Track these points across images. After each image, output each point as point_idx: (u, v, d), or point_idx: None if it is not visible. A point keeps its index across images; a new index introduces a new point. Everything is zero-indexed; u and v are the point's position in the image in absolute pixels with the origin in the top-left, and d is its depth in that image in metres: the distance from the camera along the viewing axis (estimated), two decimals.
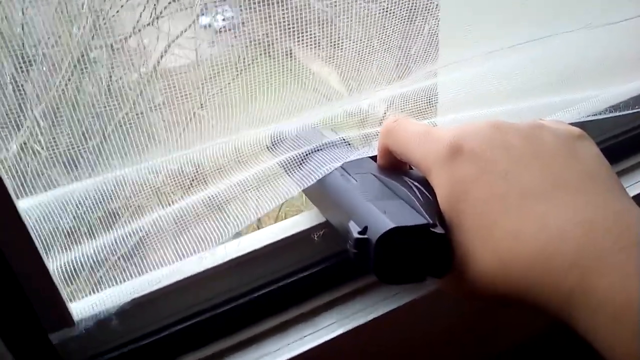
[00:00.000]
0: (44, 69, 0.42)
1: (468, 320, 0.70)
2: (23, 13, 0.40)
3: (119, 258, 0.47)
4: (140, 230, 0.48)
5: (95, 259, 0.47)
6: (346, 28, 0.53)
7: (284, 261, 0.60)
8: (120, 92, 0.45)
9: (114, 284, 0.49)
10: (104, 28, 0.42)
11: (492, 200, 0.41)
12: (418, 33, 0.58)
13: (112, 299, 0.50)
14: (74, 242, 0.47)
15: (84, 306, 0.49)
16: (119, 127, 0.46)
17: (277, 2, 0.48)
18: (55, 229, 0.46)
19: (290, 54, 0.51)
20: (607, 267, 0.35)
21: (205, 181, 0.52)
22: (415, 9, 0.57)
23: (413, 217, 0.43)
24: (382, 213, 0.43)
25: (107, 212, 0.48)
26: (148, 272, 0.50)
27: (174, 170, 0.50)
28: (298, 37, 0.50)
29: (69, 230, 0.46)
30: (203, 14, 0.50)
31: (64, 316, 0.48)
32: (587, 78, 0.70)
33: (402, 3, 0.56)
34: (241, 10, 0.48)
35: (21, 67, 0.41)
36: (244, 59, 0.48)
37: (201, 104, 0.48)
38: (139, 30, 0.48)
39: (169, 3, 0.52)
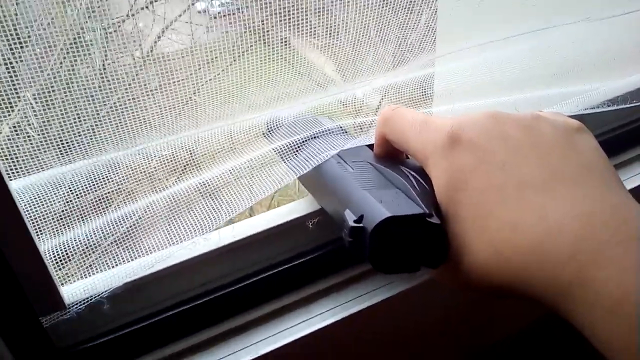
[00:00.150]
0: (38, 50, 0.41)
1: (462, 310, 0.70)
2: None
3: (111, 243, 0.46)
4: (133, 215, 0.47)
5: (87, 243, 0.46)
6: (343, 17, 0.52)
7: (278, 248, 0.60)
8: (115, 76, 0.44)
9: (107, 268, 0.48)
10: (99, 10, 0.41)
11: (489, 190, 0.40)
12: (415, 23, 0.57)
13: (104, 283, 0.49)
14: (65, 226, 0.46)
15: (75, 290, 0.49)
16: (112, 111, 0.45)
17: None
18: (47, 213, 0.45)
19: (287, 42, 0.50)
20: (604, 260, 0.35)
21: (198, 167, 0.50)
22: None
23: (409, 207, 0.42)
24: (378, 202, 0.42)
25: (99, 196, 0.46)
26: (140, 257, 0.49)
27: (168, 155, 0.49)
28: (294, 25, 0.49)
29: (60, 213, 0.45)
30: None
31: (56, 300, 0.47)
32: (586, 71, 0.70)
33: None
34: None
35: (14, 48, 0.40)
36: (240, 45, 0.47)
37: (196, 90, 0.47)
38: (135, 14, 0.47)
39: None
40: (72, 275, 0.47)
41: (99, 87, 0.44)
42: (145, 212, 0.48)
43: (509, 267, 0.38)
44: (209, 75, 0.47)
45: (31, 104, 0.42)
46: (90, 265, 0.47)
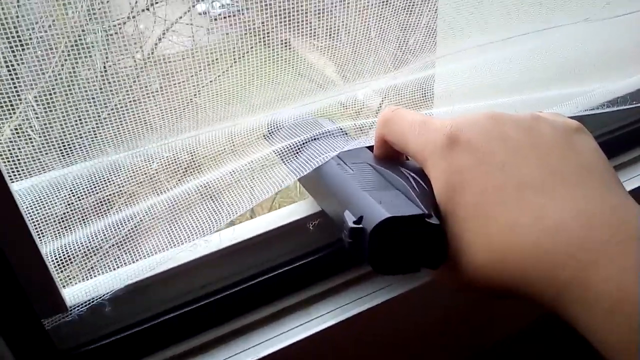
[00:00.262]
0: (39, 52, 0.40)
1: (462, 311, 0.69)
2: None
3: (111, 245, 0.45)
4: (134, 218, 0.46)
5: (88, 246, 0.45)
6: (343, 18, 0.51)
7: (278, 250, 0.59)
8: (116, 78, 0.44)
9: (108, 270, 0.47)
10: (100, 12, 0.41)
11: (488, 191, 0.40)
12: (416, 24, 0.56)
13: (106, 285, 0.48)
14: (66, 229, 0.45)
15: (77, 292, 0.48)
16: (113, 113, 0.44)
17: None
18: (48, 215, 0.44)
19: (287, 43, 0.49)
20: (603, 260, 0.34)
21: (199, 169, 0.50)
22: (413, 0, 0.55)
23: (408, 208, 0.42)
24: (377, 203, 0.42)
25: (100, 198, 0.46)
26: (141, 259, 0.49)
27: (169, 157, 0.49)
28: (295, 27, 0.48)
29: (62, 216, 0.44)
30: (200, 1, 0.48)
31: (57, 302, 0.47)
32: (586, 72, 0.70)
33: None
34: None
35: (16, 50, 0.39)
36: (241, 47, 0.46)
37: (197, 92, 0.47)
38: (136, 16, 0.47)
39: None
40: (73, 277, 0.46)
41: (100, 89, 0.43)
42: (146, 214, 0.47)
43: (508, 267, 0.38)
44: (210, 77, 0.47)
45: (32, 106, 0.42)
46: (91, 268, 0.46)
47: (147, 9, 0.49)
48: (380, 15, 0.54)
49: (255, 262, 0.58)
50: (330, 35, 0.51)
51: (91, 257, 0.46)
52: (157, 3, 0.49)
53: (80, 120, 0.43)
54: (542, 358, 0.88)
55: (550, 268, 0.36)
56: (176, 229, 0.48)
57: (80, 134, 0.43)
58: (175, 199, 0.49)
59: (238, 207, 0.49)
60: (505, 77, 0.64)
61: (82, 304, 0.48)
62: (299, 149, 0.54)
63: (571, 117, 0.46)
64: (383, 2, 0.53)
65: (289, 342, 0.55)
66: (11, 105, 0.40)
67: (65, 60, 0.42)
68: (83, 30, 0.41)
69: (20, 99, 0.40)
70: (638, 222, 0.36)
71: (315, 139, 0.55)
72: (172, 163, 0.50)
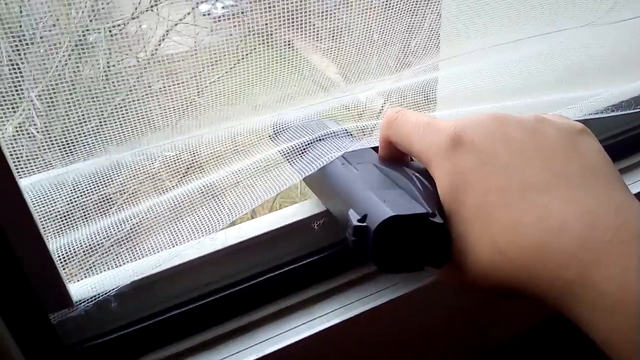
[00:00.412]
0: (42, 50, 0.39)
1: (467, 311, 0.69)
2: None
3: (113, 244, 0.45)
4: (135, 217, 0.46)
5: (90, 243, 0.44)
6: (346, 20, 0.50)
7: (283, 249, 0.59)
8: (118, 77, 0.43)
9: (109, 268, 0.46)
10: (103, 12, 0.40)
11: (491, 192, 0.39)
12: (419, 27, 0.55)
13: (112, 281, 0.48)
14: (69, 226, 0.45)
15: (83, 288, 0.48)
16: (116, 112, 0.43)
17: None
18: (50, 212, 0.43)
19: (290, 44, 0.48)
20: (607, 260, 0.34)
21: (201, 169, 0.49)
22: (416, 2, 0.54)
23: (412, 206, 0.41)
24: (381, 202, 0.42)
25: (102, 196, 0.45)
26: (146, 256, 0.48)
27: (171, 156, 0.48)
28: (298, 28, 0.47)
29: (64, 213, 0.44)
30: (203, 1, 0.47)
31: (63, 297, 0.46)
32: (590, 76, 0.68)
33: None
34: None
35: (18, 48, 0.38)
36: (243, 48, 0.45)
37: (199, 92, 0.46)
38: (138, 16, 0.46)
39: None
40: (75, 275, 0.45)
41: (103, 88, 0.42)
42: (149, 212, 0.46)
43: (511, 267, 0.37)
44: (213, 77, 0.46)
45: (35, 103, 0.41)
46: (91, 266, 0.45)
47: (150, 9, 0.48)
48: (383, 17, 0.53)
49: (260, 261, 0.57)
50: (333, 36, 0.50)
51: (92, 255, 0.45)
52: (160, 3, 0.48)
53: (82, 118, 0.42)
54: (546, 358, 0.87)
55: (554, 268, 0.35)
56: (178, 229, 0.47)
57: (82, 133, 0.43)
58: (177, 199, 0.48)
59: (242, 206, 0.48)
60: (509, 81, 0.63)
61: (88, 300, 0.47)
62: (304, 149, 0.53)
63: (576, 121, 0.45)
64: (386, 4, 0.52)
65: (293, 340, 0.55)
66: (14, 103, 0.40)
67: (68, 58, 0.41)
68: (86, 29, 0.40)
69: (23, 97, 0.40)
70: None
71: (320, 139, 0.54)
72: (175, 162, 0.49)
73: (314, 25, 0.47)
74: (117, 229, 0.46)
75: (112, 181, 0.46)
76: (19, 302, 0.43)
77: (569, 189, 0.38)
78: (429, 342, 0.68)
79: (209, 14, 0.48)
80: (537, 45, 0.63)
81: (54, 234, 0.44)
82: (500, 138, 0.41)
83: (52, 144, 0.43)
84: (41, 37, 0.39)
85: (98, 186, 0.45)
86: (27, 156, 0.42)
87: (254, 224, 0.56)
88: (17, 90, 0.40)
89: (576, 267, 0.35)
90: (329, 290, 0.60)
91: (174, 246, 0.48)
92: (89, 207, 0.45)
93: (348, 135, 0.56)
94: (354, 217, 0.41)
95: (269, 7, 0.45)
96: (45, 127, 0.42)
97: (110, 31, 0.41)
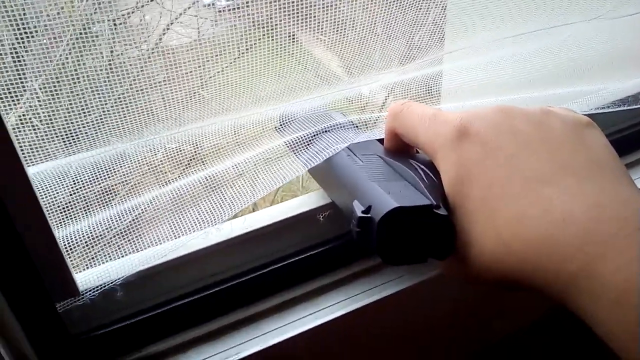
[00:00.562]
0: (45, 40, 0.38)
1: (471, 304, 0.68)
2: None
3: (115, 235, 0.44)
4: (138, 208, 0.44)
5: (90, 235, 0.43)
6: (350, 13, 0.49)
7: (288, 240, 0.58)
8: (121, 68, 0.42)
9: (110, 260, 0.45)
10: (107, 2, 0.39)
11: (496, 184, 0.38)
12: (423, 21, 0.54)
13: (117, 271, 0.47)
14: (70, 217, 0.44)
15: (89, 277, 0.47)
16: (118, 103, 0.42)
17: None
18: (52, 203, 0.42)
19: (293, 37, 0.47)
20: (612, 252, 0.33)
21: (203, 161, 0.48)
22: None
23: (417, 198, 0.40)
24: (386, 193, 0.41)
25: (104, 187, 0.44)
26: (153, 246, 0.48)
27: (174, 148, 0.47)
28: (301, 21, 0.46)
29: (65, 204, 0.43)
30: None
31: (70, 286, 0.46)
32: (596, 70, 0.67)
33: None
34: None
35: (22, 38, 0.37)
36: (246, 40, 0.44)
37: (202, 83, 0.44)
38: (142, 6, 0.44)
39: None
40: (77, 266, 0.45)
41: (106, 79, 0.41)
42: (152, 204, 0.45)
43: (516, 259, 0.37)
44: (216, 69, 0.45)
45: (38, 94, 0.40)
46: (94, 257, 0.44)
47: (154, 0, 0.47)
48: (387, 10, 0.51)
49: (265, 252, 0.57)
50: (336, 29, 0.49)
51: (94, 246, 0.44)
52: None
53: (85, 109, 0.41)
54: (550, 351, 0.86)
55: (559, 260, 0.35)
56: (180, 220, 0.46)
57: (85, 124, 0.42)
58: (180, 190, 0.47)
59: (244, 199, 0.47)
60: (514, 74, 0.62)
61: (94, 289, 0.47)
62: (310, 140, 0.53)
63: None
64: None
65: (297, 331, 0.54)
66: (17, 93, 0.39)
67: (71, 49, 0.39)
68: (89, 20, 0.39)
69: (25, 87, 0.39)
70: None
71: (326, 131, 0.53)
72: (177, 154, 0.48)
73: (317, 17, 0.46)
74: (120, 220, 0.45)
75: (114, 172, 0.45)
76: (26, 291, 0.43)
77: (575, 182, 0.37)
78: (433, 334, 0.68)
79: (213, 5, 0.47)
80: (543, 40, 0.62)
81: (56, 225, 0.43)
82: (506, 130, 0.40)
83: (55, 134, 0.42)
84: (44, 27, 0.38)
85: (100, 177, 0.44)
86: (29, 146, 0.41)
87: (259, 216, 0.55)
88: (20, 81, 0.39)
89: (581, 260, 0.34)
90: (334, 282, 0.59)
91: (177, 238, 0.47)
92: (91, 198, 0.44)
93: (354, 127, 0.55)
94: (358, 208, 0.41)
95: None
96: (48, 117, 0.41)
97: (113, 22, 0.40)
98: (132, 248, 0.46)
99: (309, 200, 0.57)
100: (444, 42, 0.57)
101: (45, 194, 0.42)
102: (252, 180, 0.49)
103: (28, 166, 0.41)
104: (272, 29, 0.45)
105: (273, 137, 0.53)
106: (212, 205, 0.48)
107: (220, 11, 0.46)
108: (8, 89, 0.39)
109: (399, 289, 0.58)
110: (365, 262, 0.61)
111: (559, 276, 0.35)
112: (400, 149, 0.49)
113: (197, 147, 0.48)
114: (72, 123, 0.41)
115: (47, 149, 0.41)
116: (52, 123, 0.41)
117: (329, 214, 0.57)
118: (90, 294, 0.46)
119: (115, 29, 0.41)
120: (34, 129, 0.41)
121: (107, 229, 0.44)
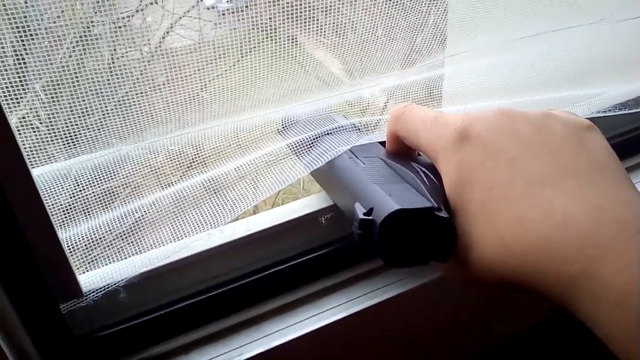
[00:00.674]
0: (46, 42, 0.37)
1: (472, 307, 0.67)
2: None
3: (115, 237, 0.43)
4: (139, 210, 0.44)
5: (91, 237, 0.43)
6: (351, 16, 0.48)
7: (290, 242, 0.57)
8: (122, 70, 0.41)
9: (111, 262, 0.45)
10: (108, 4, 0.38)
11: (497, 187, 0.38)
12: (423, 23, 0.53)
13: (121, 272, 0.47)
14: (70, 220, 0.43)
15: (92, 278, 0.47)
16: (119, 105, 0.41)
17: None
18: (53, 205, 0.42)
19: (294, 40, 0.46)
20: (612, 255, 0.33)
21: (204, 163, 0.47)
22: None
23: (418, 200, 0.40)
24: (387, 195, 0.41)
25: (105, 189, 0.43)
26: (156, 247, 0.47)
27: (174, 150, 0.46)
28: (302, 23, 0.45)
29: (66, 206, 0.42)
30: None
31: (73, 287, 0.45)
32: (598, 74, 0.66)
33: None
34: None
35: (24, 39, 0.37)
36: (248, 42, 0.43)
37: (203, 86, 0.44)
38: (143, 8, 0.44)
39: None
40: (78, 268, 0.44)
41: (107, 80, 0.41)
42: (153, 206, 0.45)
43: (517, 262, 0.37)
44: (217, 72, 0.44)
45: (40, 95, 0.39)
46: (94, 259, 0.44)
47: (155, 2, 0.46)
48: (388, 13, 0.51)
49: (267, 254, 0.56)
50: (337, 32, 0.48)
51: (94, 248, 0.43)
52: None
53: (86, 111, 0.41)
54: (551, 355, 0.86)
55: (559, 263, 0.35)
56: (181, 223, 0.46)
57: (85, 125, 0.41)
58: (181, 193, 0.46)
59: (246, 201, 0.47)
60: (516, 78, 0.61)
61: (97, 290, 0.46)
62: (312, 143, 0.52)
63: None
64: (391, 0, 0.50)
65: (299, 334, 0.53)
66: (18, 94, 0.38)
67: (73, 51, 0.39)
68: (91, 22, 0.38)
69: (27, 89, 0.38)
70: None
71: (328, 133, 0.53)
72: (178, 156, 0.47)
73: (317, 20, 0.46)
74: (121, 222, 0.44)
75: (115, 175, 0.44)
76: (30, 291, 0.42)
77: (576, 185, 0.37)
78: (434, 337, 0.67)
79: (214, 7, 0.46)
80: (545, 43, 0.61)
81: (57, 226, 0.42)
82: (507, 133, 0.40)
83: (56, 136, 0.41)
84: (46, 29, 0.37)
85: (101, 180, 0.44)
86: (30, 148, 0.40)
87: (262, 218, 0.55)
88: (21, 82, 0.38)
89: (582, 262, 0.34)
90: (336, 285, 0.59)
91: (183, 237, 0.47)
92: (92, 200, 0.44)
93: (356, 130, 0.54)
94: (360, 211, 0.40)
95: (273, 2, 0.44)
96: (49, 119, 0.40)
97: (115, 24, 0.39)
98: (134, 250, 0.45)
99: (311, 202, 0.57)
100: (445, 45, 0.57)
101: (46, 196, 0.42)
102: (253, 183, 0.48)
103: (30, 168, 0.40)
104: (273, 32, 0.44)
105: (274, 140, 0.52)
106: (213, 207, 0.47)
107: (221, 14, 0.45)
108: (9, 90, 0.38)
109: (400, 291, 0.57)
110: (367, 264, 0.60)
111: (560, 278, 0.35)
112: (402, 152, 0.49)
113: (199, 150, 0.47)
114: (73, 125, 0.41)
115: (48, 151, 0.41)
116: (53, 124, 0.40)
117: (331, 216, 0.56)
118: (93, 295, 0.46)
119: (116, 31, 0.40)
120: (35, 130, 0.40)
121: (108, 231, 0.43)
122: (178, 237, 0.47)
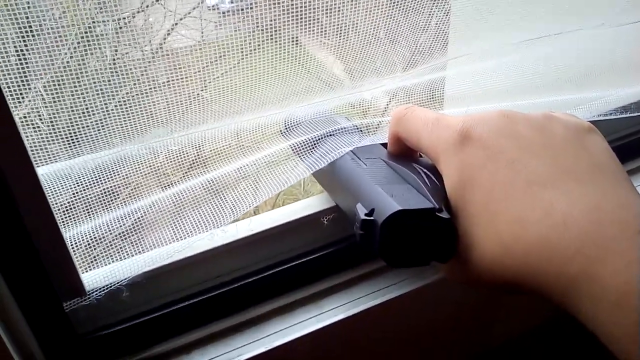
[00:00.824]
0: (49, 41, 0.36)
1: (473, 307, 0.66)
2: None
3: (116, 237, 0.42)
4: (139, 211, 0.43)
5: (92, 237, 0.42)
6: (353, 17, 0.47)
7: (292, 243, 0.56)
8: (124, 70, 0.40)
9: (111, 262, 0.44)
10: (111, 4, 0.37)
11: (497, 188, 0.38)
12: (425, 26, 0.52)
13: (124, 271, 0.46)
14: (72, 219, 0.42)
15: (95, 277, 0.46)
16: (121, 105, 0.41)
17: None
18: (54, 204, 0.41)
19: (296, 41, 0.45)
20: (611, 255, 0.33)
21: (205, 164, 0.47)
22: (422, 1, 0.52)
23: (420, 201, 0.40)
24: (389, 196, 0.40)
25: (106, 189, 0.43)
26: (149, 251, 0.46)
27: (175, 150, 0.45)
28: (304, 24, 0.44)
29: (67, 206, 0.41)
30: None
31: (77, 286, 0.44)
32: (599, 77, 0.66)
33: None
34: None
35: (26, 38, 0.36)
36: (250, 43, 0.42)
37: (204, 86, 0.43)
38: (146, 8, 0.43)
39: None
40: (80, 266, 0.43)
41: (108, 80, 0.40)
42: (153, 206, 0.44)
43: (517, 262, 0.36)
44: (219, 72, 0.43)
45: (41, 94, 0.38)
46: (95, 258, 0.43)
47: (157, 2, 0.46)
48: (390, 15, 0.50)
49: (270, 254, 0.55)
50: (339, 33, 0.48)
51: (96, 247, 0.43)
52: None
53: (87, 111, 0.40)
54: (552, 355, 0.85)
55: (559, 263, 0.34)
56: (182, 223, 0.45)
57: (87, 125, 0.40)
58: (182, 193, 0.45)
59: (248, 201, 0.46)
60: (518, 81, 0.60)
61: (100, 289, 0.45)
62: (314, 144, 0.52)
63: None
64: (392, 2, 0.49)
65: (301, 334, 0.53)
66: (20, 93, 0.37)
67: (75, 50, 0.38)
68: (93, 21, 0.38)
69: (29, 88, 0.37)
70: None
71: (330, 135, 0.52)
72: (179, 157, 0.46)
73: (320, 21, 0.45)
74: (122, 222, 0.44)
75: (116, 174, 0.43)
76: (34, 290, 0.42)
77: (576, 186, 0.36)
78: (435, 338, 0.66)
79: (216, 7, 0.45)
80: (547, 46, 0.61)
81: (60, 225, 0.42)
82: (509, 134, 0.39)
83: (57, 135, 0.40)
84: (48, 28, 0.36)
85: (102, 179, 0.43)
86: (31, 147, 0.39)
87: (264, 218, 0.54)
88: (23, 81, 0.37)
89: (581, 263, 0.33)
90: (338, 285, 0.58)
91: (185, 237, 0.46)
92: (93, 200, 0.43)
93: (358, 131, 0.54)
94: (361, 211, 0.40)
95: (276, 3, 0.43)
96: (50, 118, 0.39)
97: (117, 23, 0.39)
98: (135, 250, 0.45)
99: (313, 203, 0.56)
100: (447, 48, 0.56)
101: (48, 195, 0.41)
102: (254, 183, 0.47)
103: None
104: (275, 32, 0.44)
105: (276, 141, 0.52)
106: (214, 208, 0.46)
107: (223, 14, 0.45)
108: (11, 89, 0.37)
109: (401, 292, 0.56)
110: (369, 265, 0.59)
111: (560, 279, 0.34)
112: (404, 153, 0.48)
113: (200, 150, 0.46)
114: (74, 124, 0.40)
115: (49, 150, 0.40)
116: (54, 124, 0.40)
117: (332, 217, 0.56)
118: (96, 294, 0.45)
119: (118, 30, 0.39)
120: (37, 130, 0.39)
121: (109, 230, 0.43)
122: (180, 237, 0.46)
